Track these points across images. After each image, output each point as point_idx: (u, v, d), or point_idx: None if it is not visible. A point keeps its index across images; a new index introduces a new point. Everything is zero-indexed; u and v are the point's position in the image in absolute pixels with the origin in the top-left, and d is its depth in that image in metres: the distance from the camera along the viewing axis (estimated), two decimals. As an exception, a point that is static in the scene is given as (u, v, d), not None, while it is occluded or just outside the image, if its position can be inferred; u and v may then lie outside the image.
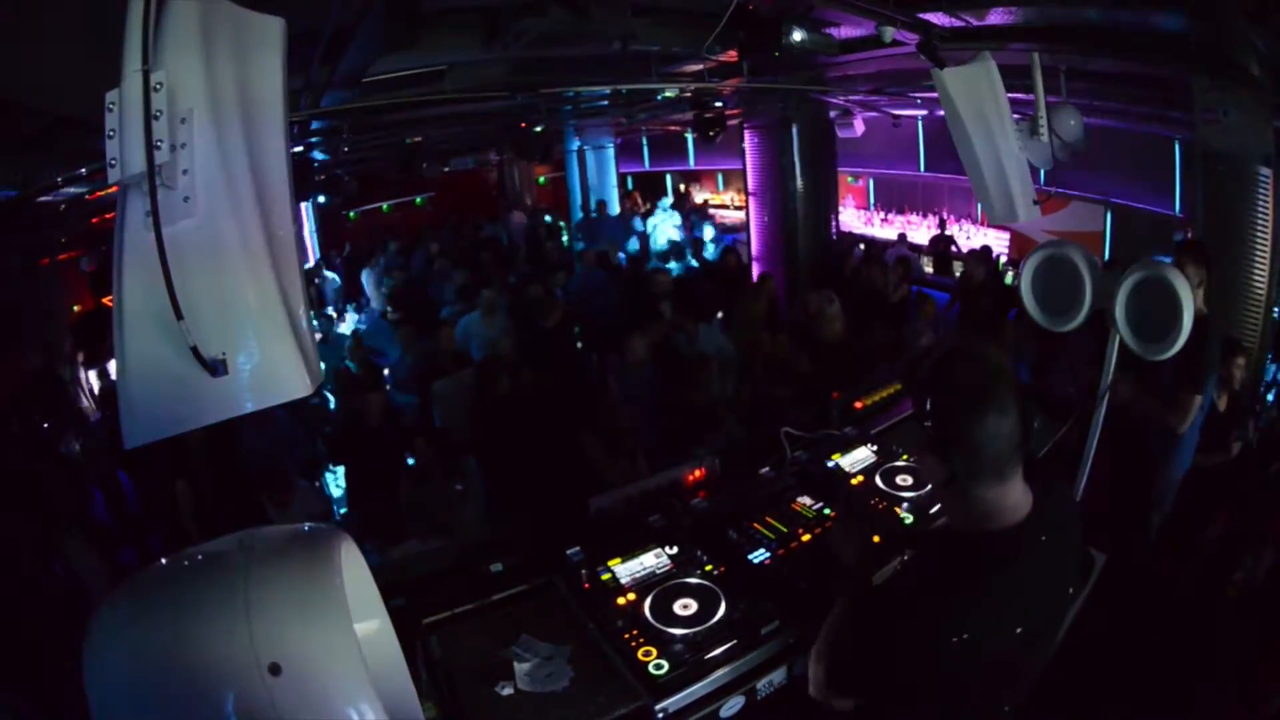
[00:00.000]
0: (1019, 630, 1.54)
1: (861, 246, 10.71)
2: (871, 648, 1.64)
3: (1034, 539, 1.57)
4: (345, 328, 8.90)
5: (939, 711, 1.62)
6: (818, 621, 2.37)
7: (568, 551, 2.70)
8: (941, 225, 11.29)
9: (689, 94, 7.28)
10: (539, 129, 7.51)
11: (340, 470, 5.97)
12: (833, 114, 9.14)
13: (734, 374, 6.17)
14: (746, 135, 9.44)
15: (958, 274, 9.62)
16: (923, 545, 1.90)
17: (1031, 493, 1.60)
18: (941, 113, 4.02)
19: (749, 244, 10.13)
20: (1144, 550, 3.98)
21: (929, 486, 3.06)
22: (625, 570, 2.63)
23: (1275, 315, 4.96)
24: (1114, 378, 3.10)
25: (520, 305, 7.67)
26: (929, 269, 10.96)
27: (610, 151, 15.15)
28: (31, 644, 3.71)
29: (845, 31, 4.95)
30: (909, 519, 2.86)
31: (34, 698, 3.31)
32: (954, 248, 10.81)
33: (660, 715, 2.07)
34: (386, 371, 7.21)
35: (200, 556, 1.18)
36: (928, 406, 1.57)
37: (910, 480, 3.13)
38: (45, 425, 7.18)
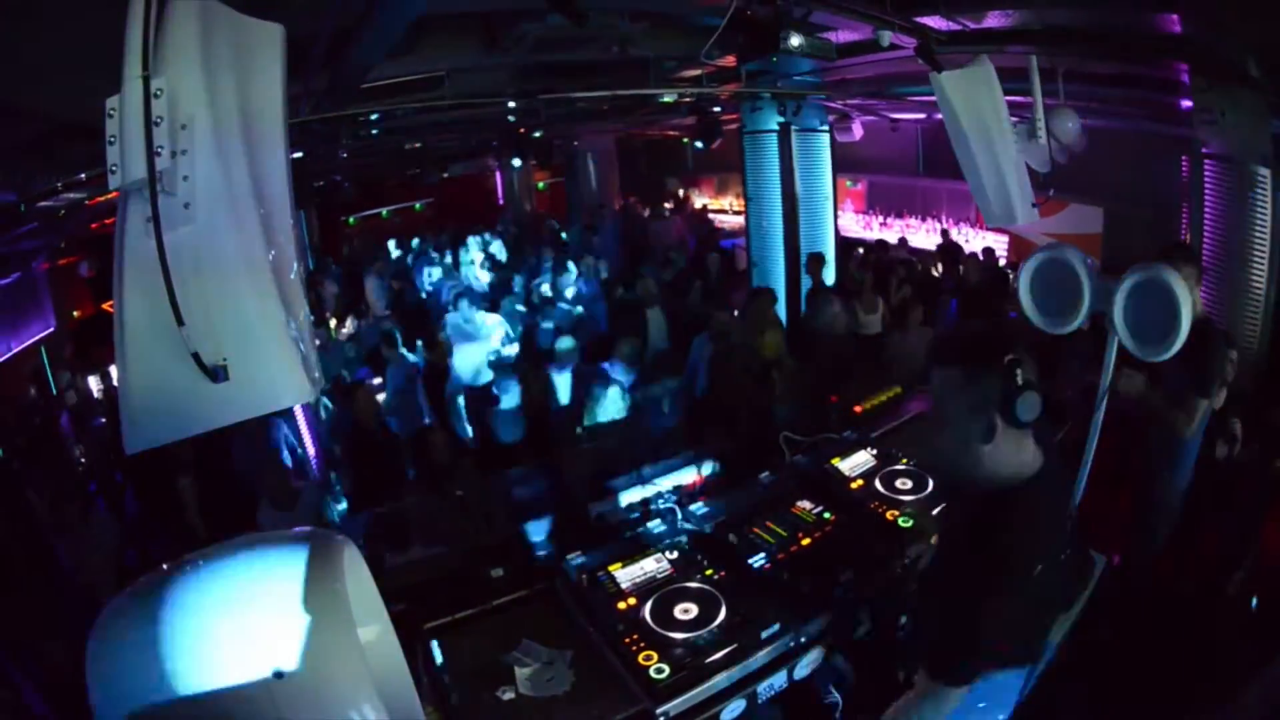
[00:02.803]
0: (1039, 569, 1.72)
1: (860, 251, 10.69)
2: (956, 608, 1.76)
3: (1047, 489, 1.81)
4: (345, 331, 8.88)
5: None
6: (817, 625, 2.39)
7: (568, 557, 2.70)
8: (945, 234, 11.21)
9: (689, 99, 7.30)
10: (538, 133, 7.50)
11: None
12: (831, 118, 9.15)
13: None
14: (745, 140, 9.44)
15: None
16: (959, 509, 2.05)
17: (1041, 452, 1.81)
18: (940, 116, 4.02)
19: (748, 249, 10.13)
20: (1148, 556, 3.97)
21: (929, 490, 3.06)
22: (626, 575, 2.64)
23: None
24: (1124, 373, 3.10)
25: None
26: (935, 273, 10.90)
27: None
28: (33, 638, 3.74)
29: (843, 36, 4.96)
30: (908, 523, 2.85)
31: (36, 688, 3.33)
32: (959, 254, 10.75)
33: (661, 719, 2.07)
34: (379, 380, 7.18)
35: (203, 560, 1.18)
36: (974, 372, 1.74)
37: (910, 484, 3.12)
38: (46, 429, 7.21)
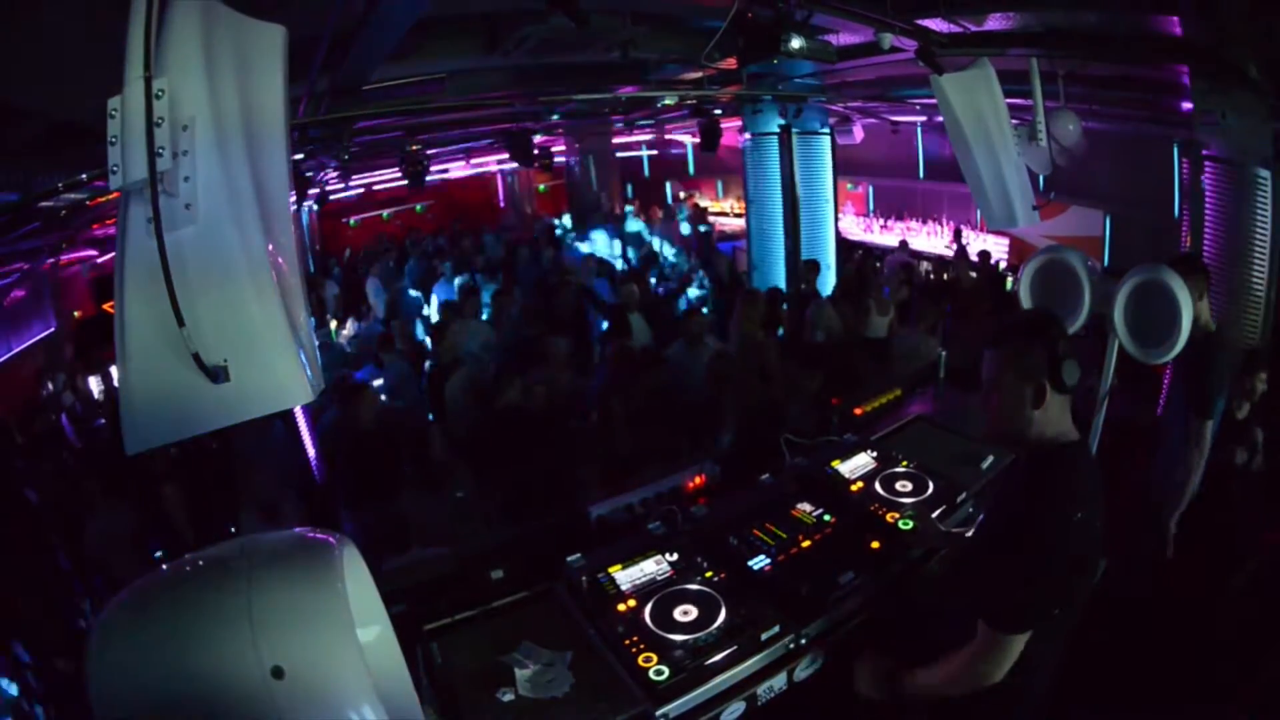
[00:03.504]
0: (1079, 516, 1.94)
1: (858, 254, 10.70)
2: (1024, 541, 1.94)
3: (1084, 454, 2.08)
4: (345, 333, 8.90)
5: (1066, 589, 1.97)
6: (817, 627, 2.39)
7: (568, 558, 2.70)
8: (958, 235, 11.17)
9: (691, 101, 7.30)
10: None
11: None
12: (832, 120, 9.15)
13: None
14: (746, 142, 9.44)
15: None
16: (1014, 472, 2.25)
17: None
18: (940, 119, 4.02)
19: (749, 251, 10.13)
20: (1149, 556, 3.96)
21: (929, 492, 3.06)
22: (626, 577, 2.63)
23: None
24: None
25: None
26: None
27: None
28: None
29: (844, 38, 4.96)
30: (908, 525, 2.85)
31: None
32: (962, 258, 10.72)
33: (661, 721, 2.07)
34: (380, 381, 7.17)
35: (203, 562, 1.18)
36: (1036, 344, 1.99)
37: (910, 486, 3.12)
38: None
